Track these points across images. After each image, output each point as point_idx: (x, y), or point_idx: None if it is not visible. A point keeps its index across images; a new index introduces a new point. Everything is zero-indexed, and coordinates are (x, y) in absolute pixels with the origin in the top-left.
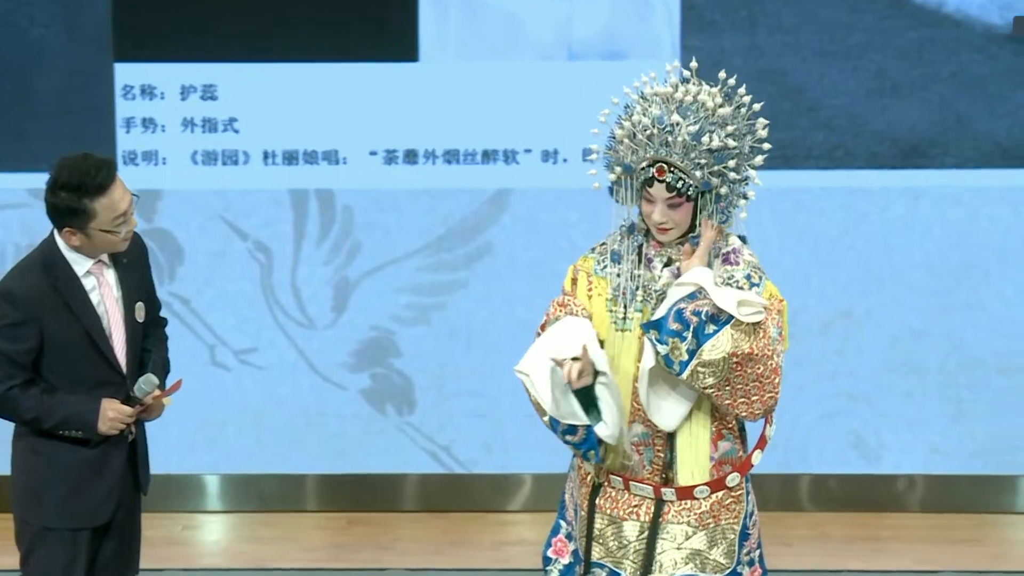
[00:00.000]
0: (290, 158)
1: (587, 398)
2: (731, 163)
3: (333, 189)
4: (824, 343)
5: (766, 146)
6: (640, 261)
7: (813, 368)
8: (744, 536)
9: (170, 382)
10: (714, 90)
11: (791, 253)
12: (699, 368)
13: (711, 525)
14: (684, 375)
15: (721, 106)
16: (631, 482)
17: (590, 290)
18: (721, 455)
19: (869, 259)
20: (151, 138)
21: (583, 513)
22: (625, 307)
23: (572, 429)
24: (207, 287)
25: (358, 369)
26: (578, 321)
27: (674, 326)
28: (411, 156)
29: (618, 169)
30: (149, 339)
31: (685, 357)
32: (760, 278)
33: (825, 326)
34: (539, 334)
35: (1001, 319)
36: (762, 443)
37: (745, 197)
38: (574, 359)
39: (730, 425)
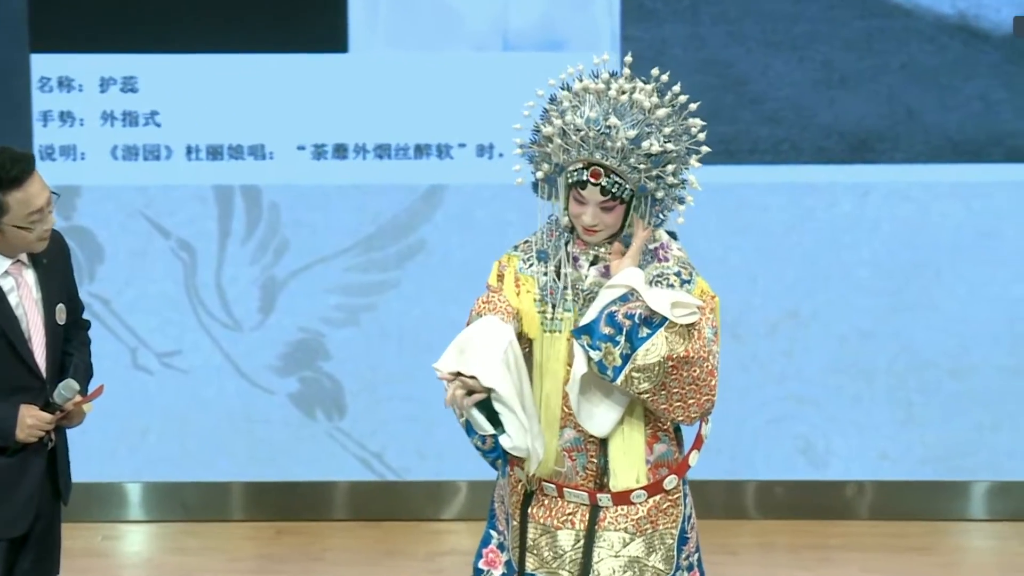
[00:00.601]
0: (214, 153)
1: (492, 409)
2: (669, 167)
3: (259, 185)
4: (770, 344)
5: (704, 149)
6: (566, 259)
7: (759, 370)
8: (683, 540)
9: (92, 387)
10: (648, 87)
11: (735, 251)
12: (633, 373)
13: (648, 531)
14: (618, 381)
15: (658, 106)
16: (564, 489)
17: (518, 287)
18: (657, 458)
19: (816, 257)
20: (69, 132)
21: (515, 523)
22: (553, 307)
23: (482, 437)
24: (128, 287)
25: (286, 373)
26: (495, 325)
27: (606, 330)
28: (340, 151)
29: (545, 166)
30: (71, 343)
31: (619, 362)
32: (691, 274)
33: (771, 327)
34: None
35: (953, 319)
36: (698, 443)
37: (682, 201)
38: (456, 375)
39: (665, 427)
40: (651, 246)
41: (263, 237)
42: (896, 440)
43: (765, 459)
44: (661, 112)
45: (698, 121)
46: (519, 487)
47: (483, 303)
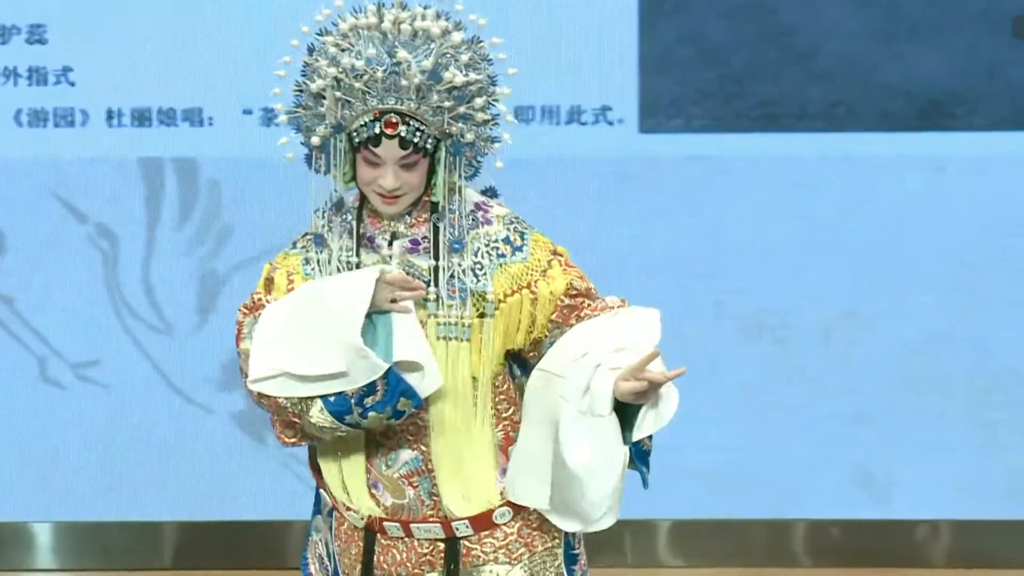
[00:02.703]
0: (141, 118)
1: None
2: (477, 101)
3: (196, 158)
4: (822, 353)
5: (511, 70)
6: (358, 245)
7: (808, 384)
8: (571, 559)
9: None
10: (430, 12)
11: (779, 239)
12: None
13: (526, 556)
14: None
15: (448, 31)
16: (411, 525)
17: (292, 290)
18: None
19: (879, 246)
20: None
21: None
22: None
23: (371, 388)
24: (35, 283)
25: (229, 387)
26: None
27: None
28: None
29: (321, 130)
30: None
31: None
32: (522, 236)
33: (824, 332)
34: (240, 353)
35: None
36: None
37: (495, 141)
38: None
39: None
40: (466, 208)
41: (201, 222)
42: (976, 469)
43: (816, 493)
44: (456, 37)
45: (494, 39)
46: (355, 534)
47: (249, 309)
